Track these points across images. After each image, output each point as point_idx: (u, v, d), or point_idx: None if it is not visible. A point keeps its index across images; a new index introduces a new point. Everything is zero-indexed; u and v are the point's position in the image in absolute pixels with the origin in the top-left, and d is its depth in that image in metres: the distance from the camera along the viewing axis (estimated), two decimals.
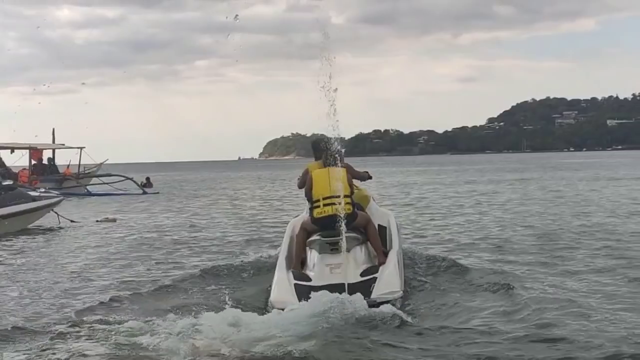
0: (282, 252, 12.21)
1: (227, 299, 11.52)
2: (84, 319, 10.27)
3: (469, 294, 11.92)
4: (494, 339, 9.07)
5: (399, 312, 10.16)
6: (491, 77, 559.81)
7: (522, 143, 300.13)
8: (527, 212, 27.11)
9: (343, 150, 11.64)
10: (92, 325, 9.77)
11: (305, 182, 12.26)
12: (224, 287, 12.77)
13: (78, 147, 53.44)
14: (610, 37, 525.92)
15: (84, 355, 8.46)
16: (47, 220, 26.46)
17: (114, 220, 27.60)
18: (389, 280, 10.95)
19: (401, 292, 11.05)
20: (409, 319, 9.90)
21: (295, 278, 11.19)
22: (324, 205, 11.61)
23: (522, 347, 8.62)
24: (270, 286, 11.64)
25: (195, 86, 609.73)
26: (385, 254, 11.80)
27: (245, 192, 50.71)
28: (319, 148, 12.68)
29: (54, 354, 8.54)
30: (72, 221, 26.81)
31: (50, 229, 25.04)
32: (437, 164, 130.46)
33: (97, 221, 27.29)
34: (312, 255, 11.66)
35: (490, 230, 21.48)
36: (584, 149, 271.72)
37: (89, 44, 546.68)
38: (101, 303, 11.64)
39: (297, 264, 11.70)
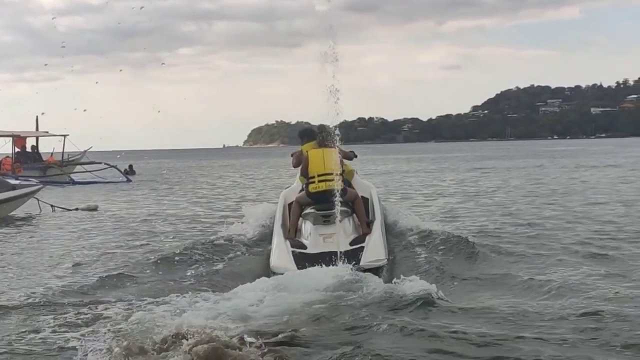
0: (277, 221, 13.66)
1: (215, 276, 12.46)
2: (65, 302, 10.53)
3: (451, 265, 12.88)
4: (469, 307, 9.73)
5: (385, 280, 11.05)
6: (475, 65, 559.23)
7: (506, 131, 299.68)
8: (508, 199, 27.58)
9: (338, 137, 12.75)
10: (74, 308, 10.01)
11: (300, 162, 13.91)
12: (211, 267, 13.37)
13: (62, 135, 53.35)
14: (594, 25, 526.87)
15: (65, 337, 8.62)
16: (28, 207, 26.50)
17: (95, 207, 27.57)
18: (375, 249, 12.18)
19: (386, 260, 12.13)
20: (394, 287, 10.44)
21: (292, 246, 12.36)
22: (319, 181, 13.00)
23: (501, 320, 9.12)
24: (269, 253, 12.94)
25: (179, 74, 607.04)
26: (369, 225, 13.07)
27: (227, 180, 50.97)
28: (305, 135, 14.67)
29: (32, 339, 8.63)
30: (52, 206, 26.87)
31: (31, 217, 25.09)
32: (421, 152, 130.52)
33: (78, 209, 27.22)
34: (307, 226, 12.93)
35: (471, 215, 21.97)
36: (568, 137, 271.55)
37: (72, 32, 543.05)
38: (82, 287, 11.85)
39: (293, 233, 13.00)
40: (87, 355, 7.53)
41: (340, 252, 11.82)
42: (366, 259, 11.87)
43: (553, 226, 18.50)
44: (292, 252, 12.26)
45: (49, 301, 10.77)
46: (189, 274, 12.78)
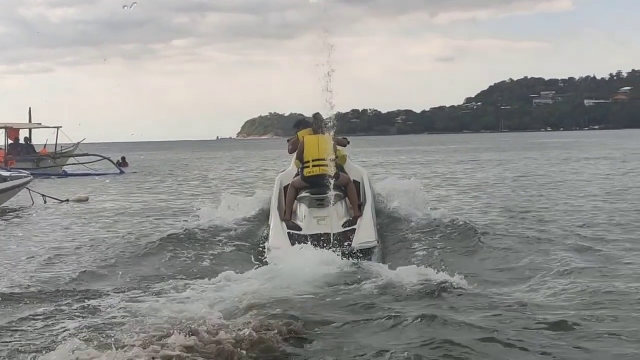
0: (273, 204, 14.34)
1: (206, 265, 12.75)
2: (56, 293, 10.57)
3: (444, 254, 13.20)
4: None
5: (376, 262, 11.98)
6: (469, 57, 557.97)
7: (500, 123, 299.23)
8: (499, 191, 27.86)
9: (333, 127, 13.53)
10: (65, 299, 9.98)
11: (296, 148, 14.58)
12: (201, 256, 13.62)
13: (55, 127, 53.24)
14: (587, 17, 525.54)
15: (56, 327, 8.56)
16: (20, 198, 26.52)
17: (86, 199, 27.63)
18: (366, 231, 12.96)
19: (376, 242, 12.90)
20: (392, 275, 10.76)
21: (288, 228, 13.09)
22: (314, 166, 13.75)
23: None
24: (265, 234, 13.95)
25: (172, 65, 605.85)
26: (360, 207, 13.80)
27: (218, 172, 51.03)
28: (300, 124, 15.40)
29: (20, 330, 8.58)
30: (43, 196, 26.90)
31: (22, 208, 25.10)
32: (414, 144, 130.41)
33: (68, 201, 27.25)
34: (302, 209, 13.68)
35: (463, 206, 22.13)
36: (562, 129, 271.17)
37: (65, 23, 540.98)
38: (72, 278, 11.94)
39: (289, 216, 13.67)
40: (78, 345, 7.46)
41: (334, 234, 12.63)
42: (358, 241, 12.65)
43: (544, 218, 18.61)
44: (289, 233, 13.00)
45: (39, 292, 10.82)
46: (178, 263, 13.03)
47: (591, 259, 12.59)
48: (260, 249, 13.55)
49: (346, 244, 12.52)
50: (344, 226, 13.18)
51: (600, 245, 14.14)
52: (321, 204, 13.47)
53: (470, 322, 8.29)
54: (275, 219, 13.75)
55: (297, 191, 14.00)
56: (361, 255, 12.17)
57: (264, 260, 12.23)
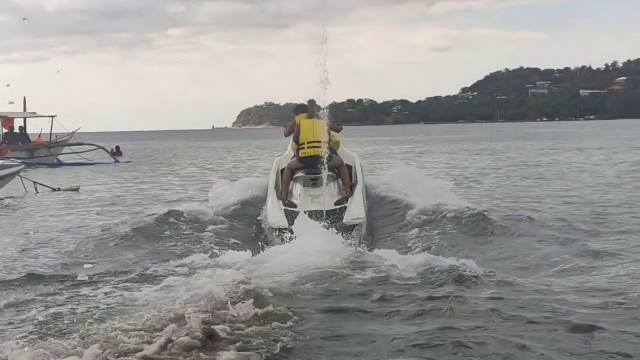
0: (271, 184, 15.52)
1: (195, 253, 12.64)
2: (44, 281, 10.60)
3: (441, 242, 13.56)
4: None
5: (363, 236, 13.30)
6: (465, 46, 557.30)
7: (495, 113, 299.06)
8: (494, 180, 27.91)
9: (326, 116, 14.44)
10: (53, 287, 10.02)
11: (292, 131, 15.79)
12: (193, 241, 14.05)
13: (50, 116, 53.23)
14: (583, 7, 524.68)
15: (45, 318, 8.44)
16: (12, 186, 26.56)
17: (77, 188, 27.58)
18: (356, 209, 14.16)
19: (364, 218, 13.95)
20: (382, 252, 11.55)
21: (284, 205, 14.38)
22: (308, 147, 14.89)
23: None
24: (263, 213, 15.15)
25: (167, 55, 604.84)
26: (352, 188, 14.88)
27: (212, 161, 51.17)
28: (299, 109, 16.20)
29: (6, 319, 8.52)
30: (35, 182, 26.97)
31: (12, 196, 25.10)
32: (409, 134, 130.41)
33: (59, 189, 27.23)
34: (297, 188, 14.84)
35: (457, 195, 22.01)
36: (557, 119, 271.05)
37: (59, 12, 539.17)
38: (60, 266, 11.98)
39: (285, 194, 14.70)
40: (68, 338, 7.46)
41: (326, 210, 13.78)
42: (348, 217, 13.80)
43: (537, 208, 18.64)
44: (285, 210, 14.01)
45: (24, 279, 10.81)
46: (168, 251, 13.19)
47: (579, 250, 12.58)
48: (255, 233, 14.52)
49: (337, 219, 13.56)
50: (336, 204, 14.31)
51: (592, 236, 14.21)
52: (315, 183, 14.62)
53: (470, 311, 8.33)
54: (272, 198, 14.85)
55: (292, 172, 15.07)
56: (349, 230, 13.16)
57: (259, 244, 12.76)
